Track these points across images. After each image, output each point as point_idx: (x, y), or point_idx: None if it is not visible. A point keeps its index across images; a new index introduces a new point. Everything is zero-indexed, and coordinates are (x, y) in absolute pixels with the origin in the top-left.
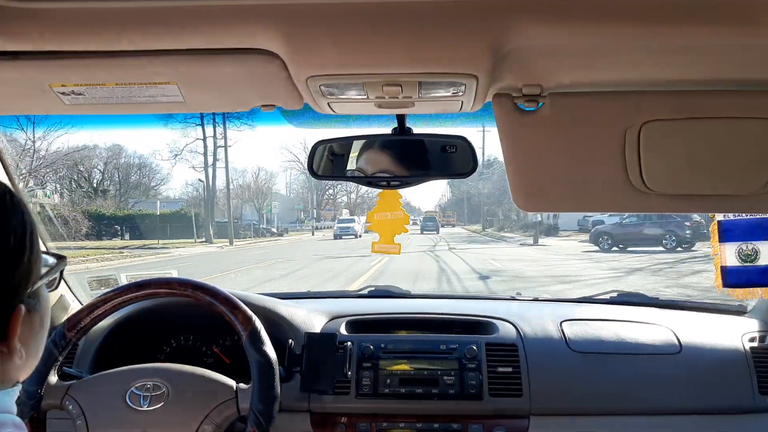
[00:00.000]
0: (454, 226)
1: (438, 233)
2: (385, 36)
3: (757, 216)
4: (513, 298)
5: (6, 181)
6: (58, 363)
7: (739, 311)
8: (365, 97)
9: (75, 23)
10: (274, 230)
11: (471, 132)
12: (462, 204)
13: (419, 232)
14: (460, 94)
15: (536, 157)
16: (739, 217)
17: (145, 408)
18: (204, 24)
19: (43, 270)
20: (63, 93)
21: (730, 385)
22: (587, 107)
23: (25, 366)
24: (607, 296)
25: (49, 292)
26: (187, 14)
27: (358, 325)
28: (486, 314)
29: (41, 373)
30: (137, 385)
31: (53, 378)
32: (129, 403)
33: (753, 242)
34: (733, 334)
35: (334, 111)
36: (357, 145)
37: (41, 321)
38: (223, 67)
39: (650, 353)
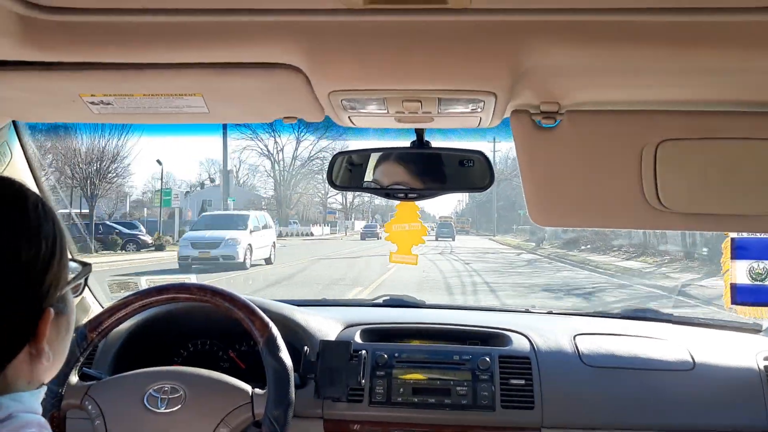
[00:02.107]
0: (468, 232)
1: (454, 240)
2: (406, 53)
3: None
4: (527, 311)
5: (35, 189)
6: (79, 364)
7: (755, 329)
8: (385, 111)
9: (105, 36)
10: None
11: (485, 146)
12: (486, 209)
13: (434, 238)
14: (479, 110)
15: (553, 173)
16: (753, 235)
17: (162, 410)
18: (229, 39)
19: (70, 276)
20: (92, 103)
21: (743, 403)
22: (604, 125)
23: (52, 368)
24: (621, 311)
25: (74, 297)
26: (212, 29)
27: (373, 333)
28: (500, 326)
29: (63, 374)
30: (155, 388)
31: (74, 378)
32: (147, 404)
33: (765, 261)
34: (747, 352)
35: (354, 124)
36: (376, 157)
37: (68, 324)
38: (247, 81)
39: (663, 369)
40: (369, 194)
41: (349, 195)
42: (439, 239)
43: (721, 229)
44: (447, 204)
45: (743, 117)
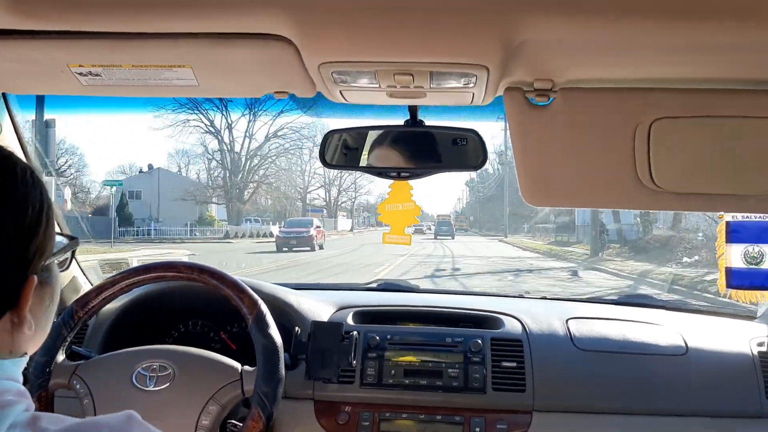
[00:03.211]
0: (467, 230)
1: (453, 238)
2: (396, 24)
3: (766, 218)
4: (521, 296)
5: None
6: (67, 342)
7: (749, 315)
8: (377, 85)
9: (93, 4)
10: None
11: (483, 126)
12: (489, 207)
13: (433, 237)
14: (471, 85)
15: (546, 152)
16: (747, 219)
17: (151, 388)
18: (218, 8)
19: (56, 249)
20: (81, 74)
21: (736, 388)
22: (598, 103)
23: (34, 338)
24: (615, 297)
25: (61, 271)
26: None
27: (365, 316)
28: (493, 310)
29: (50, 352)
30: (144, 366)
31: (61, 357)
32: (135, 383)
33: (760, 245)
34: (741, 338)
35: (346, 99)
36: (368, 136)
37: (52, 296)
38: (236, 52)
39: (656, 354)
40: (358, 179)
41: (333, 190)
42: (438, 237)
43: (715, 209)
44: (446, 202)
45: (738, 95)
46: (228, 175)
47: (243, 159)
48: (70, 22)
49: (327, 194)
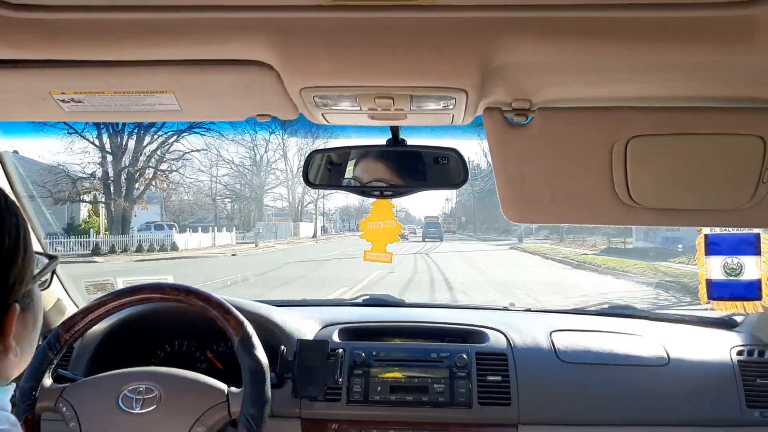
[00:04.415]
0: (454, 233)
1: (441, 241)
2: (376, 50)
3: (744, 231)
4: (506, 309)
5: (6, 185)
6: (53, 365)
7: (729, 325)
8: (358, 108)
9: (75, 33)
10: None
11: (465, 144)
12: (486, 204)
13: (420, 239)
14: (451, 107)
15: (525, 170)
16: (725, 231)
17: (137, 411)
18: (199, 35)
19: (36, 270)
20: (63, 101)
21: (717, 397)
22: (575, 122)
23: (19, 363)
24: (598, 308)
25: (42, 290)
26: (183, 26)
27: (351, 332)
28: (478, 324)
29: (37, 375)
30: (130, 388)
31: (48, 380)
32: (122, 405)
33: (738, 256)
34: (721, 347)
35: (328, 122)
36: (351, 156)
37: (34, 319)
38: (218, 78)
39: (638, 365)
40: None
41: (299, 189)
42: (426, 240)
43: (691, 224)
44: (434, 204)
45: (711, 112)
46: (111, 161)
47: (133, 138)
48: (52, 51)
49: (290, 194)
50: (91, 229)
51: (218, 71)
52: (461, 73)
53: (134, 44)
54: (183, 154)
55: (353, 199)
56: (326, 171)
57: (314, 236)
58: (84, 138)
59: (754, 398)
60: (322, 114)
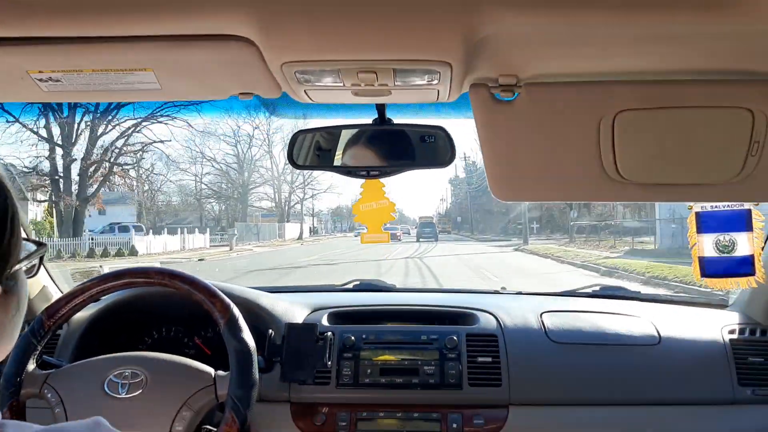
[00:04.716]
0: (449, 232)
1: (437, 240)
2: (357, 22)
3: (735, 207)
4: (497, 292)
5: None
6: (37, 351)
7: (721, 304)
8: (341, 84)
9: (52, 9)
10: None
11: (453, 124)
12: (484, 202)
13: (415, 240)
14: (435, 82)
15: (513, 147)
16: (716, 209)
17: (123, 395)
18: (178, 10)
19: (23, 254)
20: (41, 80)
21: (709, 376)
22: (562, 97)
23: (0, 348)
24: (590, 290)
25: (29, 278)
26: (161, 0)
27: (341, 316)
28: (468, 306)
29: (20, 362)
30: (115, 373)
31: (32, 366)
32: (107, 390)
33: (730, 233)
34: (713, 326)
35: (311, 99)
36: (337, 136)
37: (18, 304)
38: (197, 54)
39: (629, 344)
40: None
41: (285, 189)
42: (421, 240)
43: (680, 199)
44: (429, 204)
45: (699, 85)
46: (62, 154)
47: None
48: (29, 28)
49: (276, 194)
50: (42, 232)
51: (197, 47)
52: (445, 46)
53: (111, 19)
54: (145, 146)
55: (345, 199)
56: (311, 152)
57: (299, 238)
58: (22, 125)
59: (746, 376)
60: (305, 91)
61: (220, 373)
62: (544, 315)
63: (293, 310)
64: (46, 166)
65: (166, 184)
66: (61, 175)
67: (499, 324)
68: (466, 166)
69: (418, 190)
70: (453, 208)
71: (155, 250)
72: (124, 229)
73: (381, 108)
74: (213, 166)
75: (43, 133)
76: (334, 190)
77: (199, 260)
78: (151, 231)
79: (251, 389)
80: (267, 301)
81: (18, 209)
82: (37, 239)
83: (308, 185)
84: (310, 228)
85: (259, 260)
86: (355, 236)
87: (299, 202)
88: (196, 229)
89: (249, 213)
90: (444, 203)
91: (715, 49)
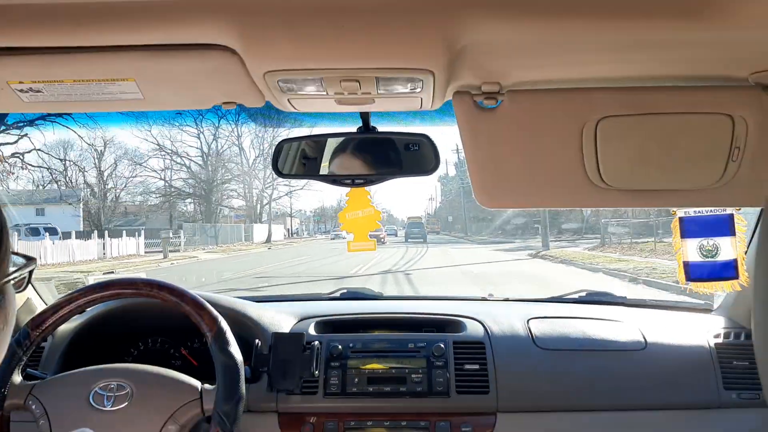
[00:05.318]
0: (438, 233)
1: (425, 241)
2: (339, 30)
3: (717, 212)
4: (484, 299)
5: None
6: (22, 363)
7: (706, 309)
8: (324, 93)
9: (31, 19)
10: None
11: (438, 131)
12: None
13: (403, 240)
14: (418, 90)
15: (496, 154)
16: (699, 214)
17: (108, 408)
18: (158, 19)
19: (11, 269)
20: (21, 90)
21: (694, 380)
22: (545, 104)
23: None
24: (576, 296)
25: (17, 292)
26: (142, 9)
27: (327, 325)
28: (455, 313)
29: (5, 373)
30: (101, 385)
31: (17, 378)
32: (92, 403)
33: (713, 238)
34: (698, 330)
35: (295, 108)
36: (321, 144)
37: (6, 319)
38: (179, 64)
39: (615, 350)
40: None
41: (257, 185)
42: (409, 240)
43: (662, 205)
44: (417, 204)
45: (680, 92)
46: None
47: None
48: (8, 38)
49: (247, 192)
50: None
51: (179, 57)
52: (427, 54)
53: (92, 30)
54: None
55: (330, 199)
56: (297, 161)
57: (267, 241)
58: None
59: (730, 380)
60: (288, 100)
61: (207, 386)
62: (531, 321)
63: (280, 319)
64: None
65: (119, 181)
66: None
67: (486, 331)
68: (458, 161)
69: (407, 190)
70: (443, 207)
71: (57, 259)
72: (35, 231)
73: (365, 116)
74: (174, 160)
75: None
76: (312, 186)
77: (107, 273)
78: (95, 233)
79: (238, 404)
80: (254, 311)
81: (6, 223)
82: (25, 254)
83: (283, 182)
84: (288, 229)
85: (196, 272)
86: (332, 239)
87: (269, 202)
88: (124, 232)
89: (219, 213)
90: (433, 202)
91: (695, 56)
